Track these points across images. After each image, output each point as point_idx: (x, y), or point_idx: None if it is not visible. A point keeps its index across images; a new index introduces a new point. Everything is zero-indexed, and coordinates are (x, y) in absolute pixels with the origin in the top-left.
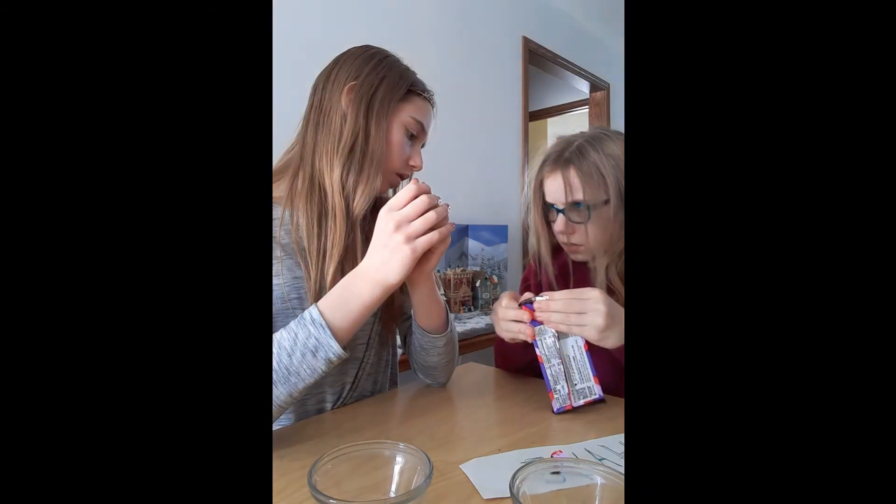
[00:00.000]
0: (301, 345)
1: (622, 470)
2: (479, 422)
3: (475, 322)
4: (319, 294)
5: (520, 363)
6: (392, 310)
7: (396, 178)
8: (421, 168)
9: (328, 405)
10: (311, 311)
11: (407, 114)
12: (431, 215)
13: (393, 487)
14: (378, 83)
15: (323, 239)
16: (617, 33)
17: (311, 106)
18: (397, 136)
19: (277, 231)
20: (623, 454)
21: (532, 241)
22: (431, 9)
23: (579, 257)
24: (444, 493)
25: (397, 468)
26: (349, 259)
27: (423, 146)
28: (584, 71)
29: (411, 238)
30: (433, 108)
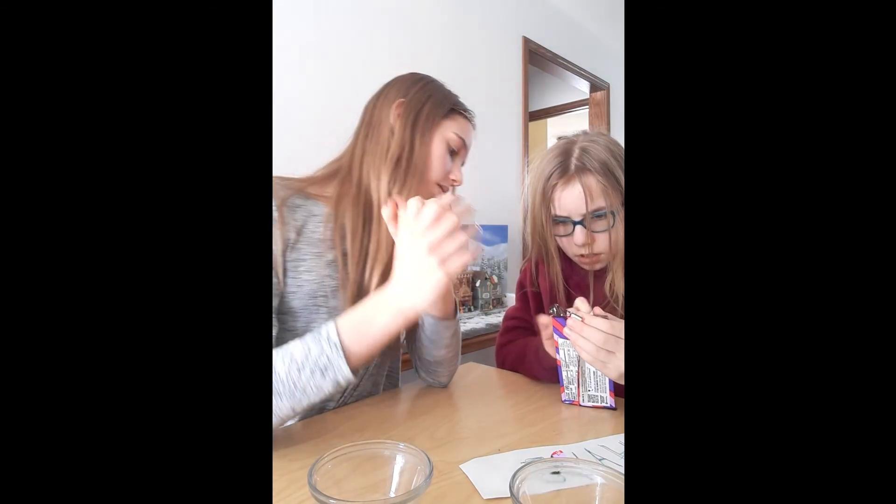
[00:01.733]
0: (312, 361)
1: (622, 470)
2: (479, 422)
3: (475, 322)
4: (358, 295)
5: (540, 379)
6: None
7: (438, 190)
8: (461, 183)
9: (329, 405)
10: (329, 328)
11: (450, 130)
12: (462, 236)
13: (393, 487)
14: (425, 100)
15: (367, 241)
16: (617, 33)
17: (362, 122)
18: (439, 149)
19: (322, 228)
20: (623, 454)
21: (535, 259)
22: (431, 8)
23: (597, 266)
24: (444, 493)
25: (397, 468)
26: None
27: (462, 164)
28: (584, 71)
29: (445, 261)
30: (474, 129)
